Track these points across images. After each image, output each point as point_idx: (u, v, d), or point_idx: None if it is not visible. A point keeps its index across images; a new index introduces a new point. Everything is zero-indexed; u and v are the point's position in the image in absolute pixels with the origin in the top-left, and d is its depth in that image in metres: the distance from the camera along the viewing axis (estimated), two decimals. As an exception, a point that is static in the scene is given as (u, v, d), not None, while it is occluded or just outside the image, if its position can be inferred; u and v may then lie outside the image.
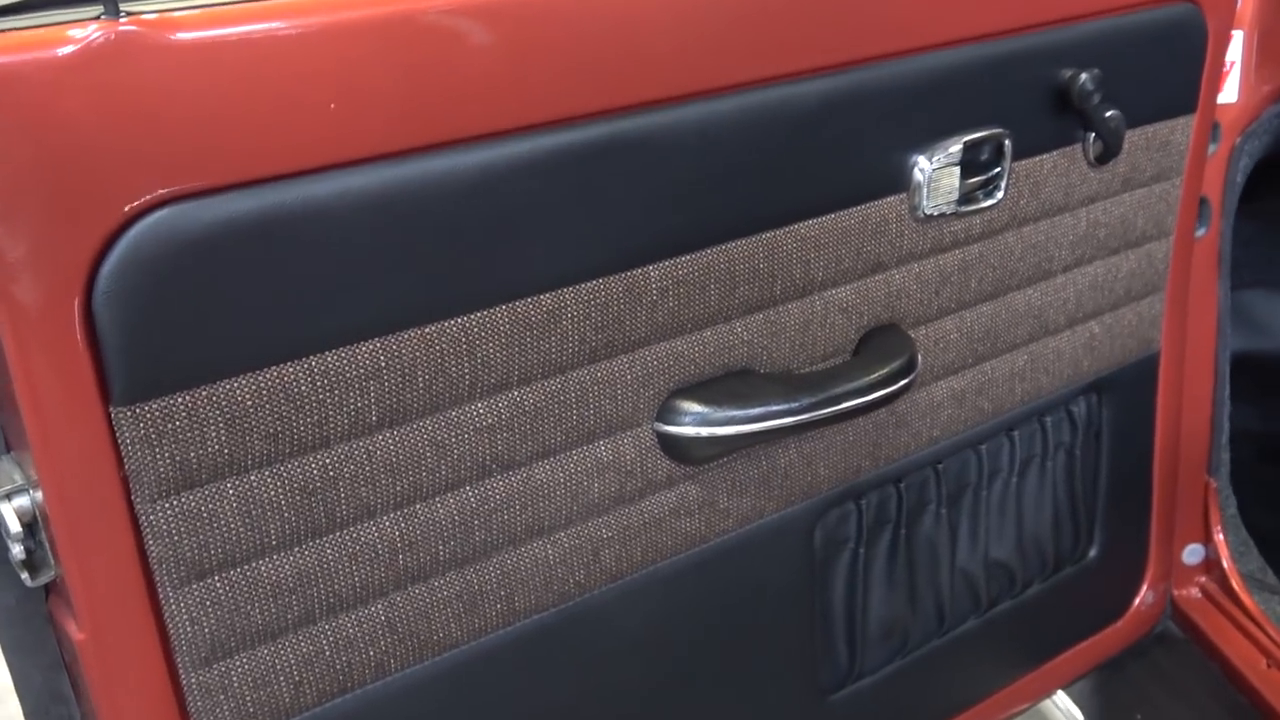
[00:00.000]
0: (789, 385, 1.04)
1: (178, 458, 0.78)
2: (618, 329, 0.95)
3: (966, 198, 1.11)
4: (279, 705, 0.88)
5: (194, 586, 0.82)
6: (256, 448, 0.81)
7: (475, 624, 0.96)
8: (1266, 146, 1.52)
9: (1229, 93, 1.44)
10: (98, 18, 0.70)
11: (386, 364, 0.84)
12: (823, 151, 1.01)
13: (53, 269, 0.72)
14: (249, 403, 0.80)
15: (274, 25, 0.74)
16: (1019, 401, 1.29)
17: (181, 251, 0.74)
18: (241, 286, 0.77)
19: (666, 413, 1.00)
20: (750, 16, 0.93)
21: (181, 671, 0.84)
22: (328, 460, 0.84)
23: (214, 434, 0.79)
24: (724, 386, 1.02)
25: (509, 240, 0.87)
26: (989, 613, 1.35)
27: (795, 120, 0.98)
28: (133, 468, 0.77)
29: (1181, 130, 1.29)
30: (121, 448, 0.77)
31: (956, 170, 1.09)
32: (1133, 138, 1.23)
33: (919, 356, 1.12)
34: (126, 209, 0.72)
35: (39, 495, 0.79)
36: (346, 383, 0.83)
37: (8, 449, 0.83)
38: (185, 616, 0.83)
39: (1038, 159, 1.16)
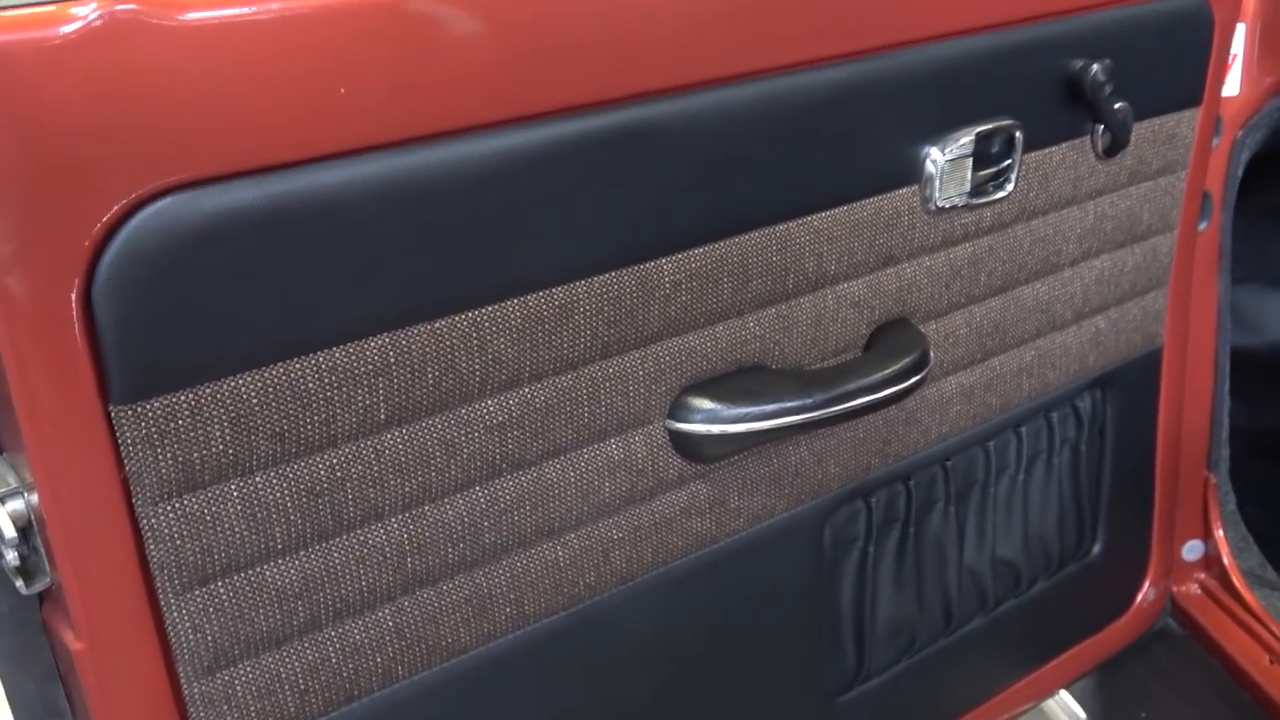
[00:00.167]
0: (802, 382, 1.02)
1: (180, 458, 0.75)
2: (630, 323, 0.92)
3: (978, 190, 1.10)
4: (284, 715, 0.85)
5: (196, 592, 0.79)
6: (262, 448, 0.78)
7: (484, 629, 0.93)
8: (1264, 140, 1.52)
9: (1231, 86, 1.43)
10: None
11: (396, 360, 0.81)
12: (836, 142, 0.99)
13: (50, 260, 0.68)
14: (255, 401, 0.77)
15: (283, 6, 0.71)
16: (1026, 397, 1.27)
17: (185, 242, 0.71)
18: (247, 279, 0.74)
19: (678, 410, 0.98)
20: (762, 4, 0.91)
21: (183, 681, 0.81)
22: (335, 460, 0.82)
23: (218, 433, 0.76)
24: (736, 383, 1.00)
25: (521, 231, 0.84)
26: (995, 611, 1.34)
27: (808, 110, 0.96)
28: (133, 469, 0.74)
29: (1187, 123, 1.28)
30: (122, 448, 0.73)
31: (969, 162, 1.07)
32: (1140, 130, 1.22)
33: (930, 352, 1.11)
34: (127, 197, 0.69)
35: (34, 498, 0.75)
36: (355, 379, 0.80)
37: (1, 450, 0.80)
38: (187, 624, 0.79)
39: (1046, 151, 1.15)
